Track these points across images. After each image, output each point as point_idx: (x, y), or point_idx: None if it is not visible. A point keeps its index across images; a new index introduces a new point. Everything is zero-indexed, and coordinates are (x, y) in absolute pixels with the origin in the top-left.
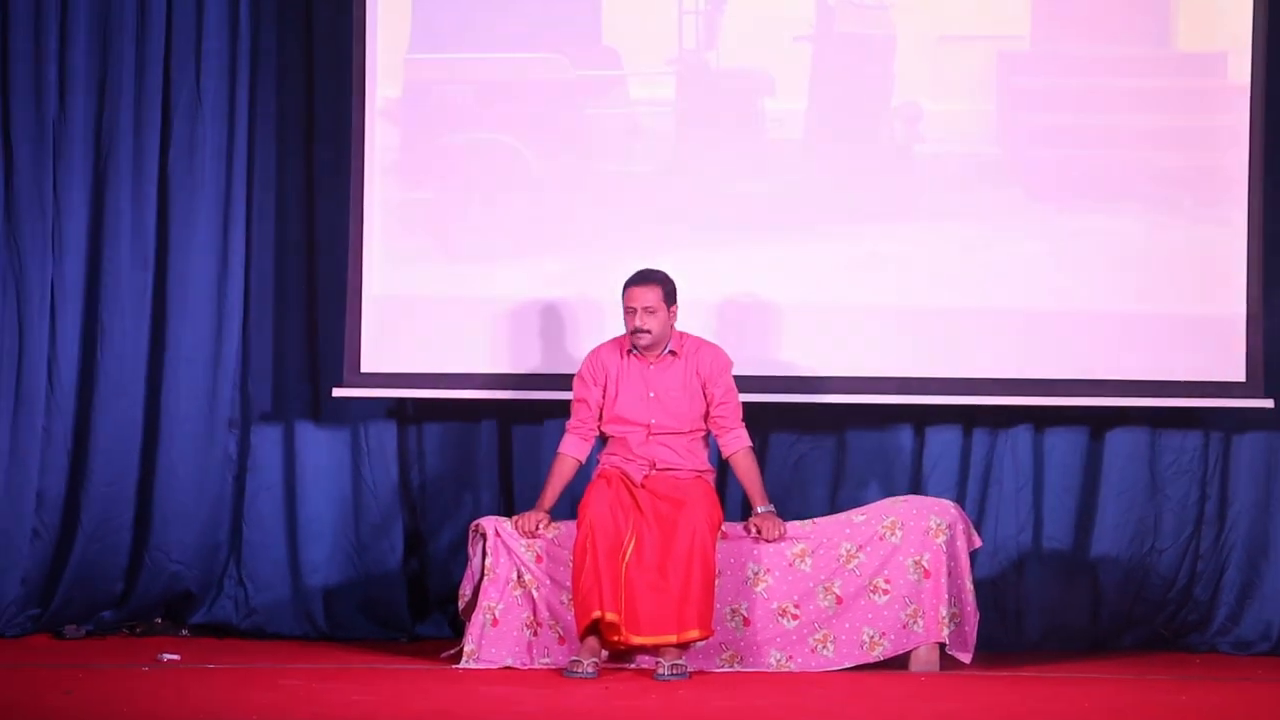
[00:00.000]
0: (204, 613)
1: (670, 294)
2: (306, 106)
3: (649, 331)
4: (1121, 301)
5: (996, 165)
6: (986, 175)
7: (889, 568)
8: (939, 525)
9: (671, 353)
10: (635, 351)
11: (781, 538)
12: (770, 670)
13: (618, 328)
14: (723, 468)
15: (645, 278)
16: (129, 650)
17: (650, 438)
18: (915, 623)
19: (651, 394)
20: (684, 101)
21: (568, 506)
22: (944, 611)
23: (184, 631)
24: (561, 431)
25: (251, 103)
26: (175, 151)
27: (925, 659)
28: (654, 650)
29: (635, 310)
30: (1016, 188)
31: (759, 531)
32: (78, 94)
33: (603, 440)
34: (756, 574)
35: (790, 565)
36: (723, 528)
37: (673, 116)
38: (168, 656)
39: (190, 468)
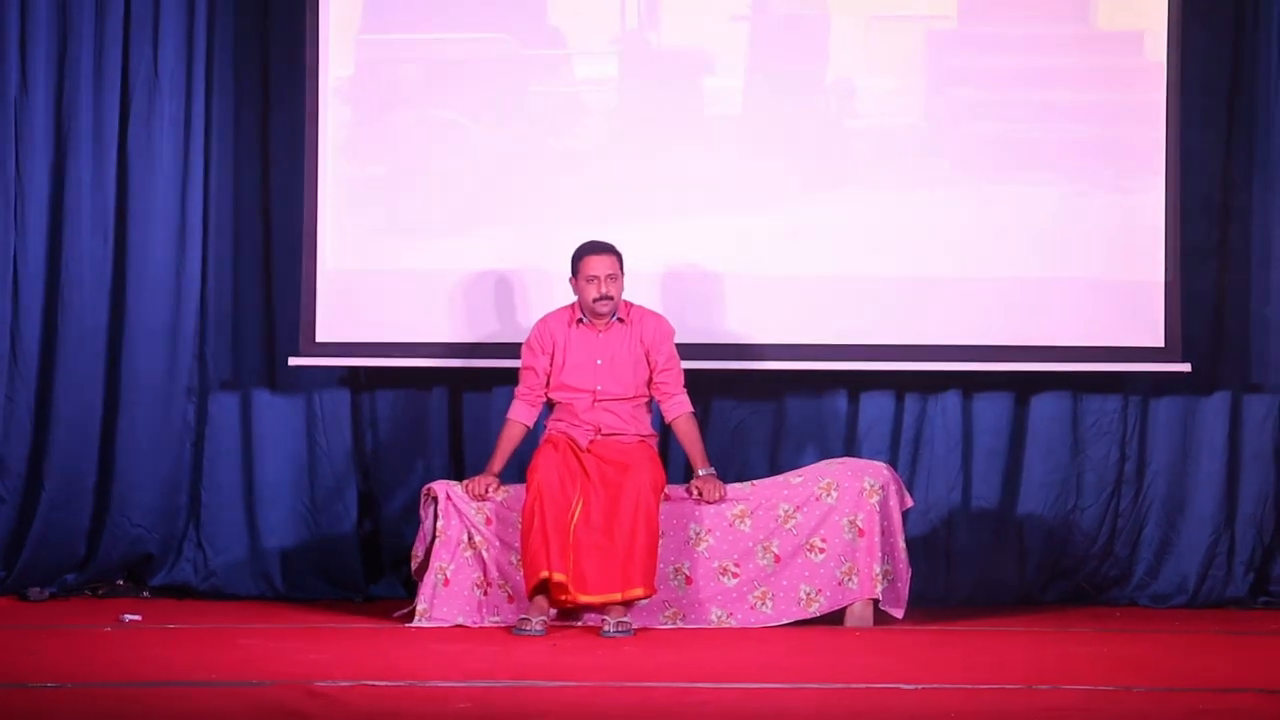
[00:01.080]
0: (164, 575)
1: (621, 262)
2: (262, 85)
3: (611, 298)
4: (1045, 269)
5: (925, 139)
6: (916, 148)
7: (825, 527)
8: (873, 486)
9: (619, 320)
10: (584, 320)
11: (722, 499)
12: (711, 626)
13: (565, 297)
14: (665, 432)
15: (604, 247)
16: (92, 611)
17: (596, 404)
18: (850, 580)
19: (599, 361)
20: (626, 79)
21: (516, 471)
22: (877, 569)
23: (145, 593)
24: (510, 398)
25: (208, 80)
26: (134, 127)
27: (860, 614)
28: (600, 608)
29: (598, 279)
30: (944, 160)
31: (700, 493)
32: (39, 71)
33: (549, 406)
34: (698, 534)
35: (730, 526)
36: (665, 490)
37: (616, 94)
38: (129, 617)
39: (150, 435)
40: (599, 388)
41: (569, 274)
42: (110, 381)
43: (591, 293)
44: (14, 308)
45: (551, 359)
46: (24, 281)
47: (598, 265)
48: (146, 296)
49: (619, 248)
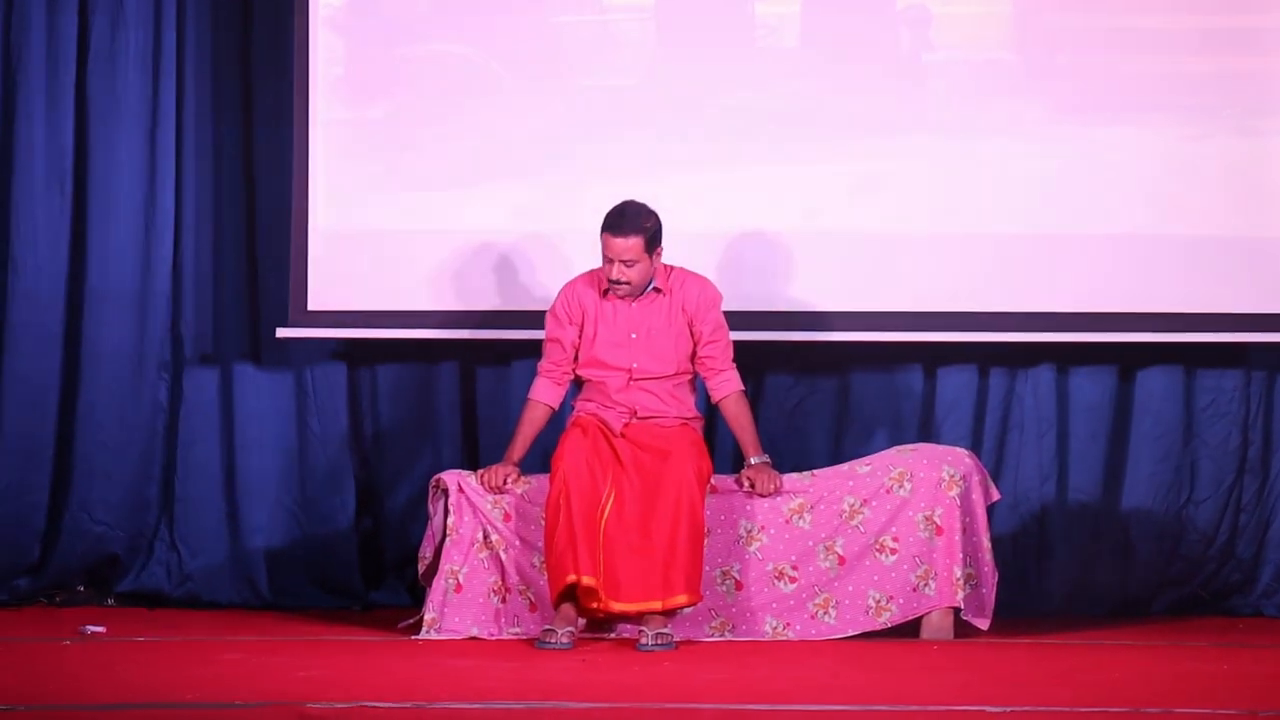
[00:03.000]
0: (132, 580)
1: (653, 239)
2: (243, 14)
3: (627, 283)
4: (1153, 225)
5: (1013, 74)
6: (1002, 86)
7: (897, 524)
8: (952, 476)
9: (656, 289)
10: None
11: (777, 491)
12: (765, 639)
13: (594, 259)
14: (711, 415)
15: (626, 226)
16: (48, 622)
17: (631, 383)
18: (926, 585)
19: (633, 335)
20: (665, 7)
21: (539, 459)
22: (958, 572)
23: (110, 601)
24: (532, 375)
25: (180, 7)
26: (95, 59)
27: (938, 625)
28: (636, 618)
29: (612, 261)
30: (1035, 99)
31: (752, 485)
32: None
33: (577, 385)
34: (750, 532)
35: (787, 522)
36: (712, 481)
37: (652, 24)
38: (92, 629)
39: (115, 417)
40: (635, 365)
41: None
42: (68, 356)
43: (605, 272)
44: None
45: (580, 330)
46: None
47: (612, 247)
48: (111, 258)
49: (655, 209)
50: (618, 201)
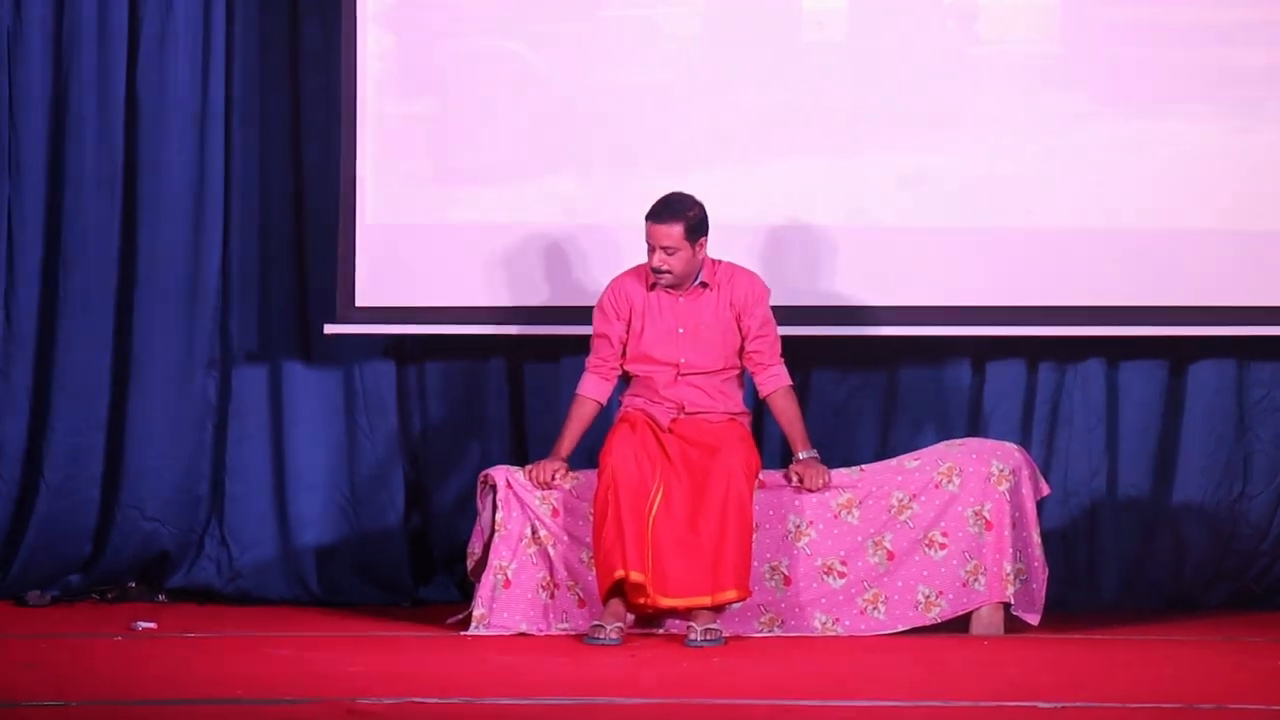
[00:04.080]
0: (182, 575)
1: (696, 228)
2: (291, 10)
3: (669, 272)
4: (1203, 218)
5: (1062, 67)
6: (1050, 78)
7: (946, 519)
8: (1002, 471)
9: (703, 284)
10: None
11: (826, 486)
12: (814, 634)
13: (640, 254)
14: (759, 410)
15: (667, 213)
16: (99, 618)
17: (679, 378)
18: (976, 580)
19: (681, 329)
20: (711, 1)
21: (587, 454)
22: (1008, 567)
23: (160, 597)
24: (579, 370)
25: (229, 5)
26: (144, 57)
27: (988, 620)
28: (685, 614)
29: (654, 249)
30: (1084, 92)
31: (801, 480)
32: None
33: (625, 380)
34: (798, 527)
35: (835, 517)
36: (760, 476)
37: (699, 17)
38: (143, 625)
39: (166, 414)
40: (683, 360)
41: None
42: (119, 353)
43: (649, 261)
44: (8, 268)
45: (628, 325)
46: (19, 239)
47: (655, 234)
48: (160, 255)
49: (701, 200)
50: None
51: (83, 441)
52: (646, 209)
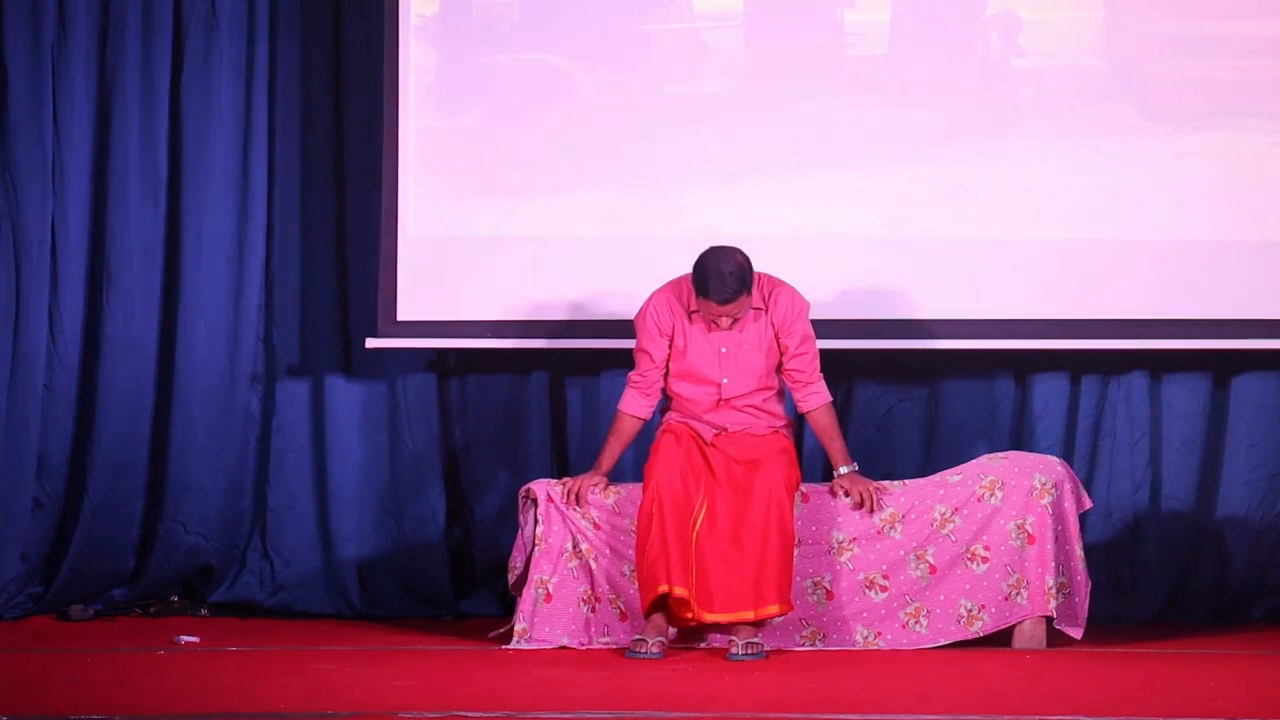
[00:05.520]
0: (225, 590)
1: (750, 281)
2: (334, 24)
3: (738, 319)
4: (1248, 231)
5: (1105, 80)
6: (1093, 91)
7: (988, 533)
8: (1044, 484)
9: (754, 309)
10: None
11: (879, 506)
12: (856, 648)
13: (682, 266)
14: (799, 424)
15: (726, 292)
16: (142, 632)
17: (720, 403)
18: (1019, 594)
19: (723, 349)
20: (754, 15)
21: (631, 466)
22: (1051, 581)
23: (203, 611)
24: (620, 384)
25: (272, 20)
26: (189, 75)
27: (1030, 634)
28: (727, 628)
29: (719, 317)
30: (1128, 105)
31: (859, 503)
32: (79, 13)
33: (667, 399)
34: (841, 543)
35: (879, 533)
36: (802, 489)
37: (741, 31)
38: (185, 639)
39: (209, 428)
40: (725, 381)
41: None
42: (163, 368)
43: (714, 321)
44: (52, 284)
45: (670, 342)
46: (63, 254)
47: (723, 311)
48: (204, 270)
49: (739, 253)
50: (704, 250)
51: (126, 455)
52: (690, 222)
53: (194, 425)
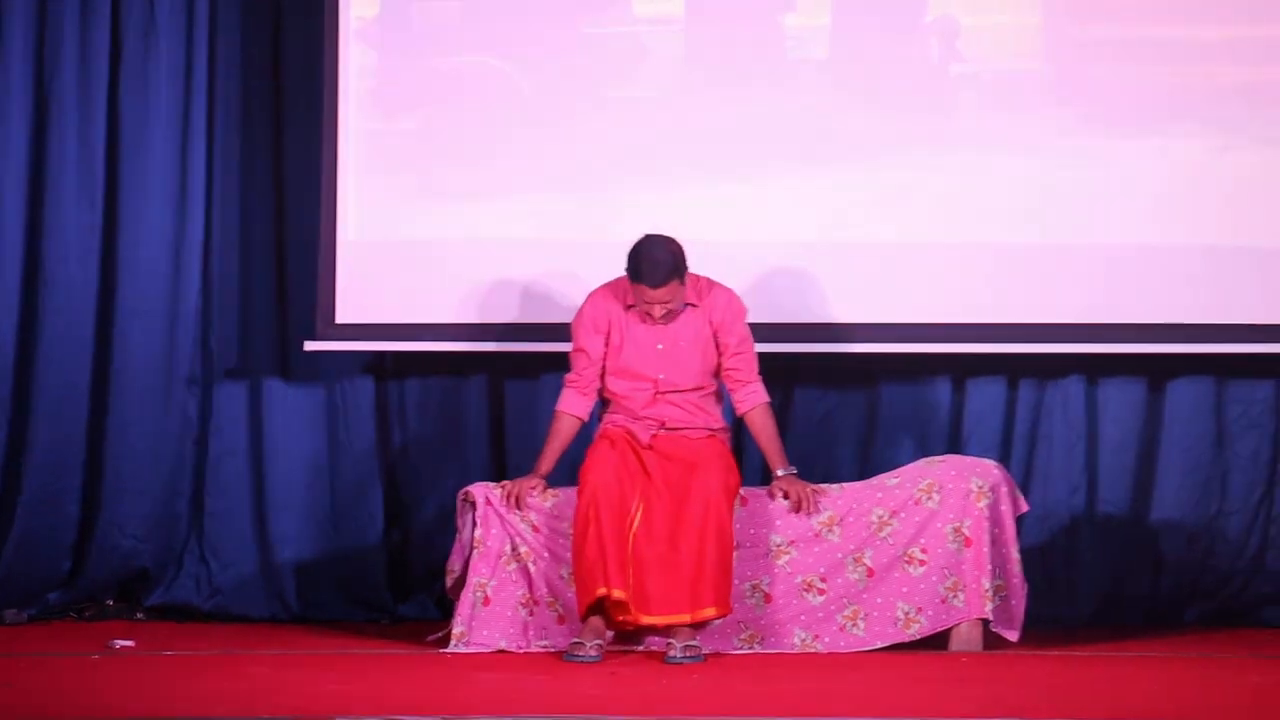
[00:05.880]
0: (162, 593)
1: (683, 269)
2: (273, 25)
3: (672, 312)
4: (1184, 235)
5: (1043, 85)
6: (1031, 96)
7: (925, 536)
8: (981, 488)
9: (687, 305)
10: None
11: (816, 508)
12: (794, 651)
13: (622, 268)
14: (738, 427)
15: (658, 277)
16: (77, 637)
17: (658, 396)
18: (955, 597)
19: (660, 346)
20: (694, 19)
21: (567, 471)
22: (987, 584)
23: (139, 614)
24: (559, 386)
25: (212, 20)
26: (126, 75)
27: (967, 637)
28: (665, 631)
29: (651, 304)
30: (1066, 110)
31: (797, 506)
32: (15, 12)
33: (604, 403)
34: (779, 546)
35: (817, 536)
36: (741, 493)
37: (681, 36)
38: (121, 643)
39: (145, 431)
40: (661, 377)
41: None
42: (99, 370)
43: (645, 309)
44: None
45: (607, 340)
46: None
47: (653, 296)
48: (141, 272)
49: (672, 241)
50: (635, 231)
51: (61, 458)
52: (629, 226)
53: (130, 428)
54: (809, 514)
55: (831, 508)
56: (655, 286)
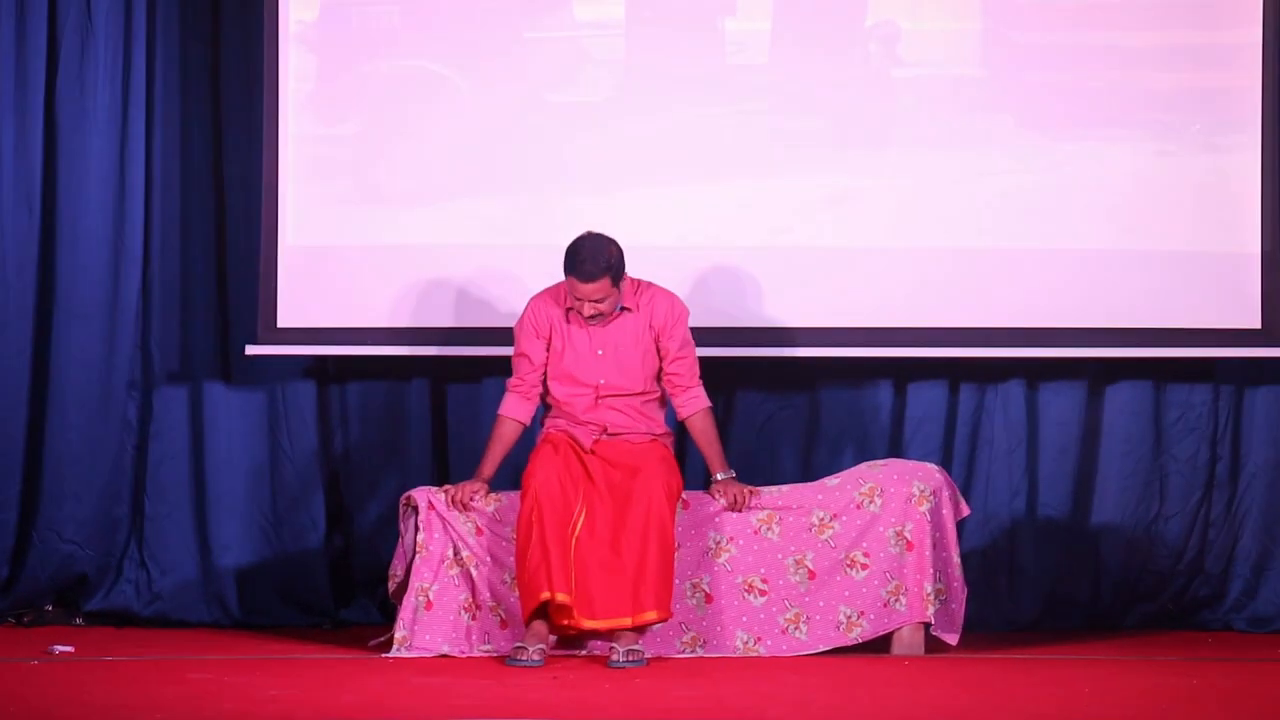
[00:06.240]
0: (101, 599)
1: (618, 270)
2: (213, 28)
3: (602, 314)
4: (1122, 240)
5: (982, 90)
6: (972, 101)
7: (867, 539)
8: (922, 491)
9: (624, 308)
10: None
11: (751, 508)
12: (736, 654)
13: (560, 274)
14: (682, 432)
15: (590, 271)
16: (15, 643)
17: (599, 400)
18: (897, 600)
19: (600, 351)
20: (635, 23)
21: (510, 476)
22: (929, 588)
23: (79, 620)
24: (502, 391)
25: (150, 21)
26: (64, 76)
27: (909, 641)
28: (607, 635)
29: (583, 301)
30: (1005, 114)
31: (732, 504)
32: None
33: (546, 407)
34: (718, 544)
35: (755, 533)
36: (683, 497)
37: (622, 40)
38: (60, 649)
39: (85, 435)
40: (601, 382)
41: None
42: (37, 374)
43: (578, 308)
44: None
45: (548, 344)
46: None
47: (583, 291)
48: (80, 276)
49: (610, 240)
50: (577, 234)
51: (0, 463)
52: (570, 230)
53: (70, 432)
54: (738, 509)
55: (770, 506)
56: (585, 281)
